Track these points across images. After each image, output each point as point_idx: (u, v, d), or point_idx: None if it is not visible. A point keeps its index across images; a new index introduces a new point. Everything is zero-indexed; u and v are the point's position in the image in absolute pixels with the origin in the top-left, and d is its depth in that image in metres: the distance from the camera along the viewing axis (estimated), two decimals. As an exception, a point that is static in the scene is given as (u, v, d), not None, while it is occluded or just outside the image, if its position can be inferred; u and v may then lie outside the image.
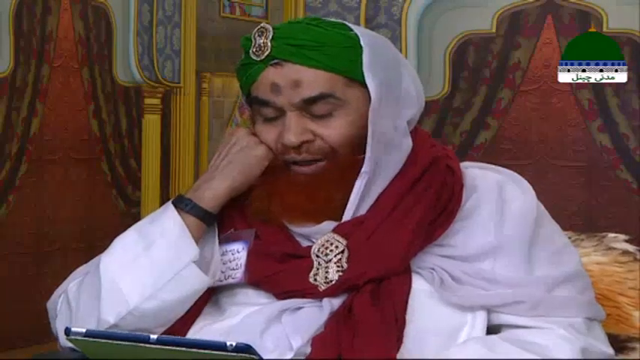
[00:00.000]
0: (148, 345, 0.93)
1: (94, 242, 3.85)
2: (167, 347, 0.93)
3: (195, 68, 4.32)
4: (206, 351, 0.92)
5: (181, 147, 4.29)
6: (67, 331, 0.98)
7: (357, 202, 1.24)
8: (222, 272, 1.27)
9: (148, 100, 4.17)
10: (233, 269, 1.26)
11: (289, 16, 3.25)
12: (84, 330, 0.98)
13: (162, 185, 4.22)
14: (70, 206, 3.92)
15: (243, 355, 0.90)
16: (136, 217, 4.10)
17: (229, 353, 0.90)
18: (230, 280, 1.26)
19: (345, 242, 1.23)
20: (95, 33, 3.99)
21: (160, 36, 4.11)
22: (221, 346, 0.90)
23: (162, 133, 4.22)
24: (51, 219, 3.83)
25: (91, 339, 0.98)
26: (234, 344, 0.89)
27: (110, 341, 0.97)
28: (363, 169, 1.23)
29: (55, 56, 3.79)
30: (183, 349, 0.92)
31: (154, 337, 0.93)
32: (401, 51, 3.02)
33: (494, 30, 3.03)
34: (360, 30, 1.27)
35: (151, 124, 4.18)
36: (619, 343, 1.37)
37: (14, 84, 3.59)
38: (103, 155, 4.09)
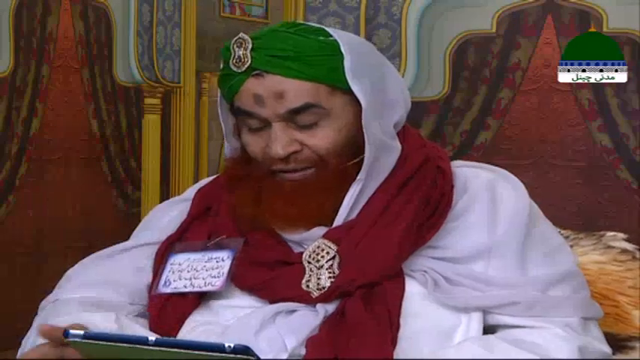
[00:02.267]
0: (146, 346, 0.93)
1: (94, 242, 3.85)
2: (165, 349, 0.93)
3: (195, 68, 4.32)
4: (204, 352, 0.91)
5: (181, 147, 4.28)
6: (66, 334, 0.98)
7: (350, 207, 1.24)
8: (203, 279, 1.26)
9: (148, 100, 4.16)
10: (214, 277, 1.25)
11: (289, 16, 3.25)
12: (82, 332, 0.98)
13: (162, 185, 4.22)
14: (70, 206, 3.92)
15: (242, 356, 0.90)
16: (136, 217, 4.09)
17: (228, 355, 0.90)
18: (209, 287, 1.25)
19: (335, 248, 1.22)
20: (95, 33, 3.99)
21: (160, 36, 4.10)
22: (219, 348, 0.90)
23: (163, 133, 4.21)
24: (51, 219, 3.83)
25: (89, 341, 0.98)
26: (232, 345, 0.90)
27: (108, 343, 0.97)
28: (359, 176, 1.22)
29: (55, 56, 3.79)
30: (182, 350, 0.92)
31: (152, 338, 0.93)
32: (401, 51, 3.03)
33: (494, 30, 3.02)
34: (339, 35, 1.25)
35: (151, 124, 4.18)
36: (618, 343, 1.37)
37: (14, 84, 3.59)
38: (103, 155, 4.09)
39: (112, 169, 4.13)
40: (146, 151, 4.15)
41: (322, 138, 1.23)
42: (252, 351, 0.91)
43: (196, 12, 4.28)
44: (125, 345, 0.95)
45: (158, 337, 0.96)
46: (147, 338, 0.93)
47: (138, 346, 0.94)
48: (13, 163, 3.62)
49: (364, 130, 1.21)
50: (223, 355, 0.90)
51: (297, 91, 1.21)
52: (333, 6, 3.14)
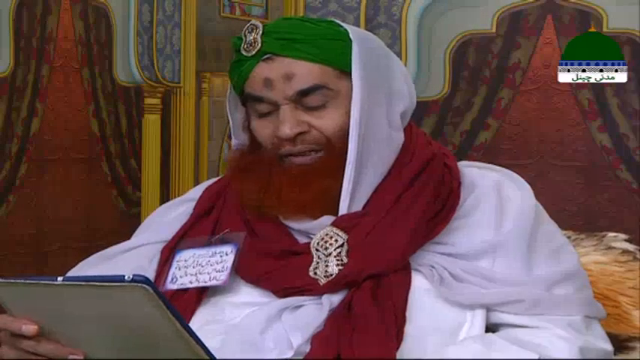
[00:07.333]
0: (55, 284, 1.00)
1: (94, 242, 3.85)
2: (72, 283, 1.00)
3: (195, 68, 4.32)
4: (106, 283, 0.98)
5: (181, 147, 4.29)
6: None
7: (350, 193, 1.24)
8: (208, 274, 1.27)
9: (148, 100, 4.17)
10: (218, 271, 1.26)
11: (289, 16, 3.25)
12: None
13: (162, 185, 4.22)
14: (70, 206, 3.92)
15: (140, 285, 0.96)
16: (136, 217, 4.10)
17: (128, 283, 0.96)
18: (214, 282, 1.26)
19: (345, 236, 1.23)
20: (95, 33, 3.99)
21: (160, 36, 4.11)
22: (119, 279, 0.97)
23: (162, 133, 4.22)
24: (51, 219, 3.83)
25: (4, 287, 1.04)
26: (131, 276, 0.96)
27: (21, 284, 1.03)
28: (348, 159, 1.23)
29: (55, 56, 3.80)
30: (87, 283, 1.00)
31: (60, 278, 1.01)
32: (401, 51, 3.03)
33: (494, 30, 3.03)
34: (349, 27, 1.29)
35: (151, 124, 4.18)
36: (619, 343, 1.37)
37: (14, 84, 3.59)
38: (103, 155, 4.09)
39: (112, 169, 4.14)
40: (146, 151, 4.16)
41: (329, 119, 1.24)
42: (150, 280, 0.97)
43: (196, 12, 4.29)
44: (36, 284, 1.02)
45: (65, 276, 1.04)
46: (55, 278, 1.01)
47: (48, 283, 1.01)
48: (13, 163, 3.63)
49: (351, 111, 1.23)
50: (124, 283, 0.96)
51: (305, 72, 1.23)
52: (333, 6, 3.14)
